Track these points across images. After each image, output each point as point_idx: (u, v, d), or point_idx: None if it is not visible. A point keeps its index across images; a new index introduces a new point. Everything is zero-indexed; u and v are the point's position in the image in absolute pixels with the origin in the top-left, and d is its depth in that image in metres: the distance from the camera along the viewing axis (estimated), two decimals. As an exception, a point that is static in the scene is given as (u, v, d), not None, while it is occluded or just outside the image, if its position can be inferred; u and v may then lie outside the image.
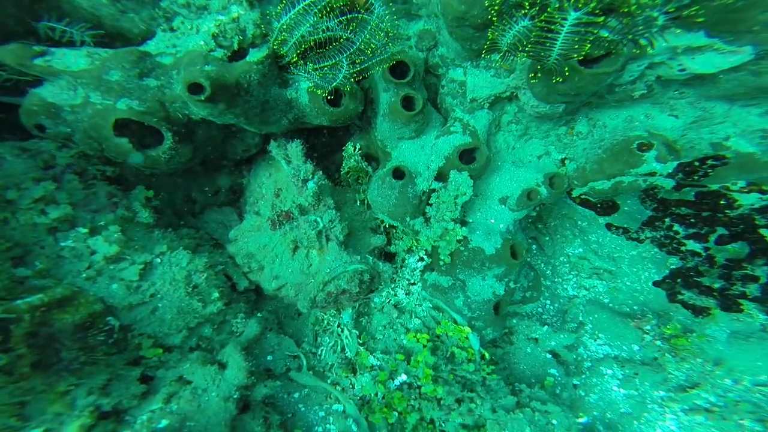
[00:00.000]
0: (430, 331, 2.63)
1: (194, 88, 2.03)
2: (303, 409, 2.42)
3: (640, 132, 2.68)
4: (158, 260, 2.37)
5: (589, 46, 2.14)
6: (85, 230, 2.22)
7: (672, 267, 3.36)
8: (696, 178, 3.17)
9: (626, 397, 2.88)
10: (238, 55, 2.36)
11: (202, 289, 2.43)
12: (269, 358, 2.53)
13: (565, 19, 2.06)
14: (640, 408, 2.85)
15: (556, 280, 3.54)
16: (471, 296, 2.68)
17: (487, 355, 2.57)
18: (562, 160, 2.98)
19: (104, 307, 2.15)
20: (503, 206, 2.85)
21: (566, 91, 2.45)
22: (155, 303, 2.29)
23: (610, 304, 3.36)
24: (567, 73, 2.26)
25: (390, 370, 2.45)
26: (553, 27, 2.11)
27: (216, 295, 2.45)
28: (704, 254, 3.34)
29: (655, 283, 3.31)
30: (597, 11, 2.02)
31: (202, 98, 2.03)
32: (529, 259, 3.63)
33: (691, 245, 3.36)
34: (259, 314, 2.65)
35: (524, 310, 3.08)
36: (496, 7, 2.17)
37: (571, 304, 3.32)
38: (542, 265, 3.55)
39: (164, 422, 2.01)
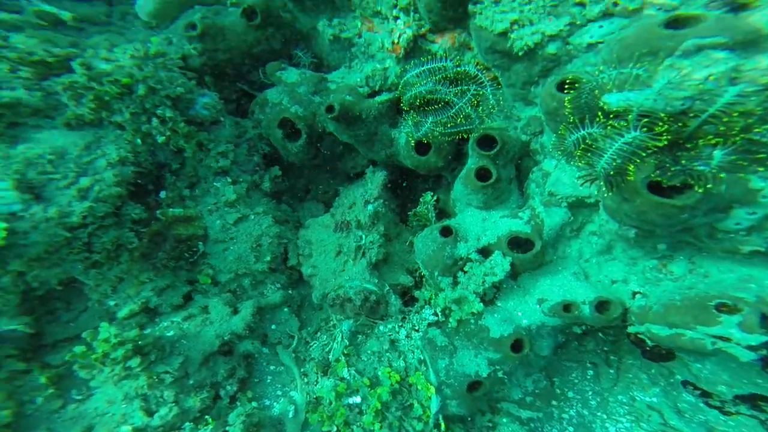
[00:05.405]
0: (406, 377, 2.76)
1: (329, 108, 2.81)
2: (269, 380, 2.85)
3: (745, 294, 2.23)
4: (252, 216, 3.12)
5: (633, 167, 2.09)
6: (230, 180, 3.11)
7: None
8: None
9: None
10: (376, 92, 3.14)
11: (262, 249, 3.08)
12: (273, 327, 3.04)
13: (621, 135, 2.07)
14: None
15: (598, 413, 3.09)
16: (455, 364, 2.70)
17: (443, 426, 2.57)
18: (634, 293, 2.70)
19: (203, 233, 2.94)
20: (537, 306, 2.77)
21: (630, 213, 2.30)
22: (229, 245, 3.02)
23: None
24: (626, 195, 2.18)
25: (352, 389, 2.68)
26: (606, 141, 2.11)
27: (268, 258, 3.07)
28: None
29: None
30: (664, 138, 1.97)
31: (330, 117, 2.81)
32: (576, 382, 3.28)
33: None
34: (289, 291, 3.19)
35: (521, 414, 2.87)
36: (568, 108, 2.26)
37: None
38: (589, 393, 3.16)
39: (171, 332, 2.67)
